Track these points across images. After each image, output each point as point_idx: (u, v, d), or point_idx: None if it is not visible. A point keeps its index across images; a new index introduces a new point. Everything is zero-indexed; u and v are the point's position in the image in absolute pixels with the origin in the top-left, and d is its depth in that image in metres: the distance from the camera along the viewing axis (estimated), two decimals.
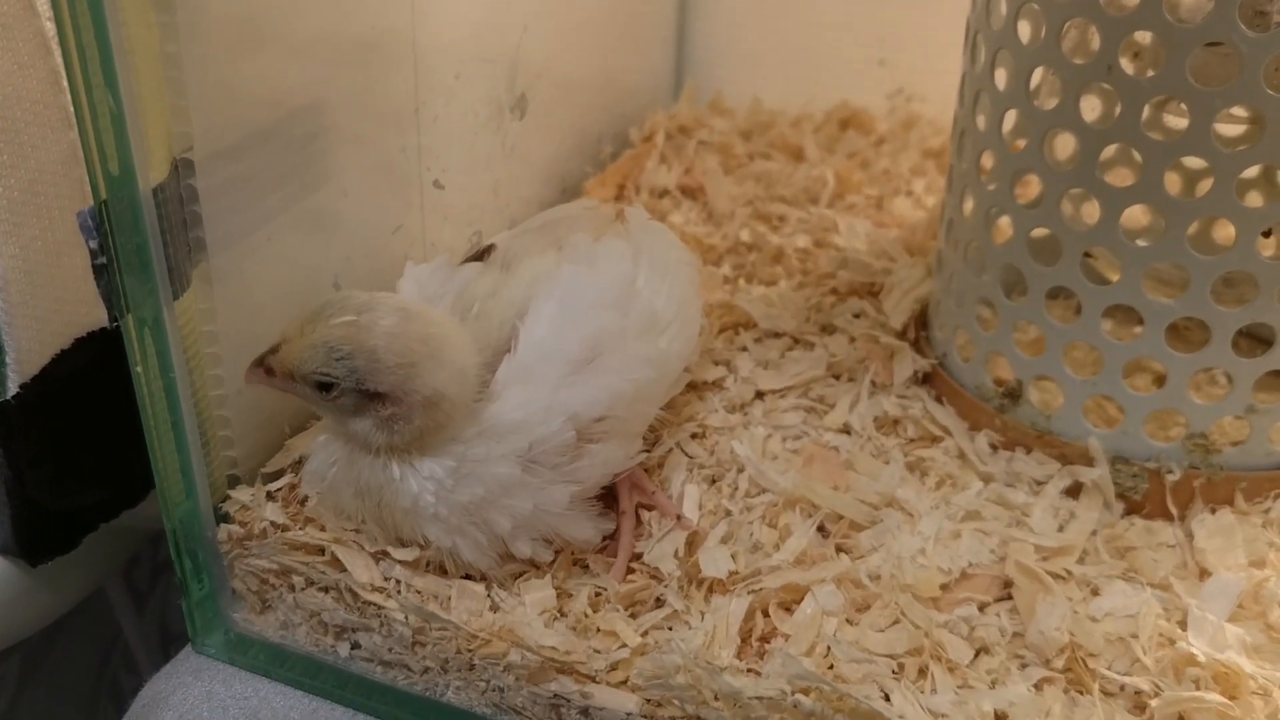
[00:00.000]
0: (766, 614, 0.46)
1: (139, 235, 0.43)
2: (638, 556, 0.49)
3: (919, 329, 0.62)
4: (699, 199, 0.80)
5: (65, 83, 0.49)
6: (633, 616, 0.46)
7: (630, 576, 0.48)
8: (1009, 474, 0.54)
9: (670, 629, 0.45)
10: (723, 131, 0.87)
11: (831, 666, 0.43)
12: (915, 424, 0.57)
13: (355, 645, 0.50)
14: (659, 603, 0.47)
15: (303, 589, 0.50)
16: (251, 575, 0.51)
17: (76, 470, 0.54)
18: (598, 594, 0.48)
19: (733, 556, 0.48)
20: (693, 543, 0.49)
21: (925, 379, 0.60)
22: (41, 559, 0.55)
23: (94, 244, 0.43)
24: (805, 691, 0.41)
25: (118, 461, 0.56)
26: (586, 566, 0.50)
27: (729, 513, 0.51)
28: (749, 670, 0.43)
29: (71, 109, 0.50)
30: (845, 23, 0.88)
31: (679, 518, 0.50)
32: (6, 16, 0.47)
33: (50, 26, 0.49)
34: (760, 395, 0.60)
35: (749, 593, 0.46)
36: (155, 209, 0.43)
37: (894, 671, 0.43)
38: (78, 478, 0.54)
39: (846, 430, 0.57)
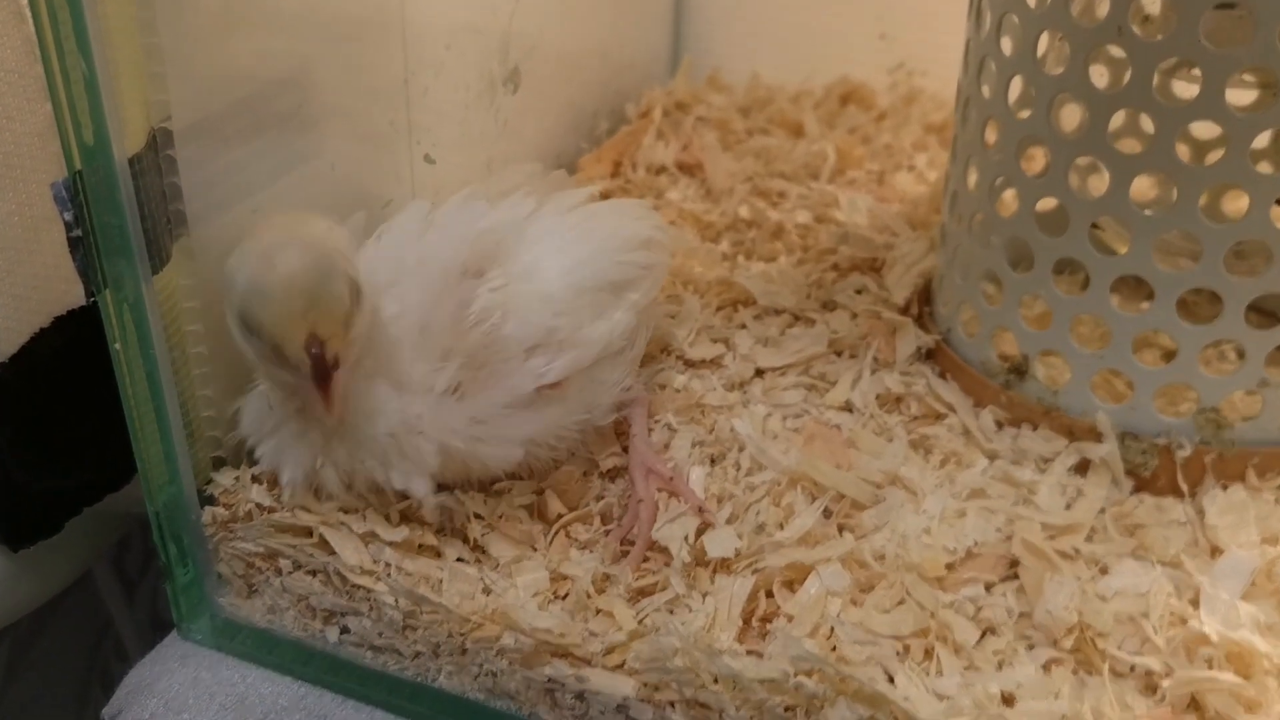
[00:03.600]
0: (770, 594, 0.45)
1: (115, 207, 0.42)
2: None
3: (922, 305, 0.61)
4: (697, 176, 0.79)
5: (40, 51, 0.48)
6: (635, 600, 0.45)
7: (643, 565, 0.47)
8: (1015, 451, 0.52)
9: (671, 611, 0.44)
10: (720, 108, 0.86)
11: (835, 648, 0.42)
12: (919, 401, 0.55)
13: (344, 630, 0.49)
14: (663, 586, 0.45)
15: (290, 572, 0.48)
16: (237, 559, 0.49)
17: (58, 452, 0.53)
18: (605, 578, 0.46)
19: (739, 537, 0.46)
20: (702, 526, 0.48)
21: (929, 355, 0.58)
22: (23, 543, 0.53)
23: (69, 216, 0.42)
24: (808, 673, 0.40)
25: (101, 444, 0.54)
26: (587, 548, 0.49)
27: (732, 494, 0.50)
28: (749, 652, 0.42)
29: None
30: None
31: (701, 509, 0.48)
32: None
33: None
34: (760, 373, 0.59)
35: (752, 573, 0.45)
36: (132, 180, 0.42)
37: (899, 653, 0.42)
38: (59, 460, 0.53)
39: (848, 408, 0.56)
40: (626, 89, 0.85)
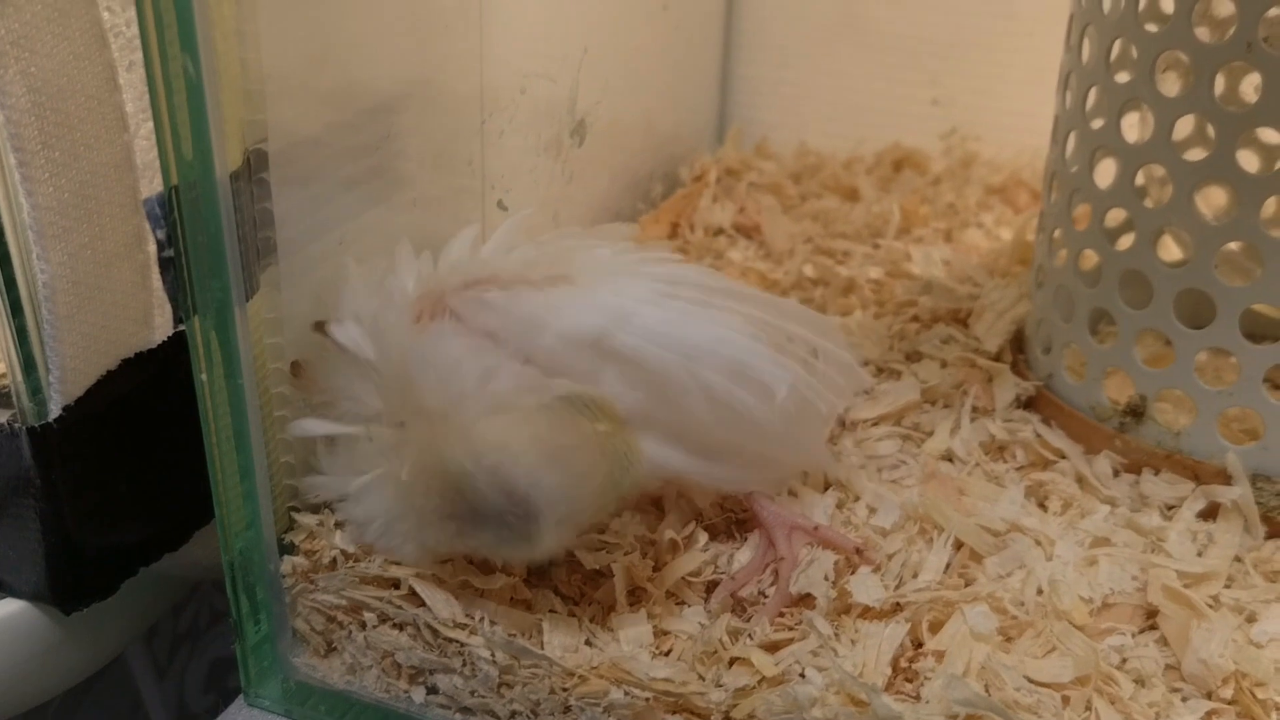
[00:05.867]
0: (919, 644, 0.41)
1: (211, 226, 0.39)
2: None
3: (1015, 352, 0.59)
4: (755, 238, 0.77)
5: (121, 80, 0.46)
6: (772, 650, 0.42)
7: (779, 619, 0.44)
8: (1135, 497, 0.49)
9: (815, 654, 0.40)
10: (771, 174, 0.84)
11: (990, 695, 0.39)
12: (1025, 448, 0.53)
13: (432, 689, 0.45)
14: (803, 635, 0.42)
15: (374, 626, 0.45)
16: (316, 613, 0.46)
17: (118, 506, 0.50)
18: (739, 631, 0.43)
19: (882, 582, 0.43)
20: (840, 569, 0.45)
21: (1028, 403, 0.56)
22: (76, 605, 0.49)
23: (161, 234, 0.39)
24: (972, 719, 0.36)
25: (161, 499, 0.51)
26: (683, 603, 0.45)
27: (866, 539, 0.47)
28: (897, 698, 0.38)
29: (125, 110, 0.46)
30: (895, 63, 0.85)
31: (859, 551, 0.45)
32: (64, 2, 0.44)
33: (108, 16, 0.45)
34: (848, 425, 0.56)
35: (905, 619, 0.41)
36: (231, 198, 0.39)
37: (1057, 704, 0.39)
38: (119, 514, 0.50)
39: (949, 458, 0.53)
40: (676, 155, 0.84)
